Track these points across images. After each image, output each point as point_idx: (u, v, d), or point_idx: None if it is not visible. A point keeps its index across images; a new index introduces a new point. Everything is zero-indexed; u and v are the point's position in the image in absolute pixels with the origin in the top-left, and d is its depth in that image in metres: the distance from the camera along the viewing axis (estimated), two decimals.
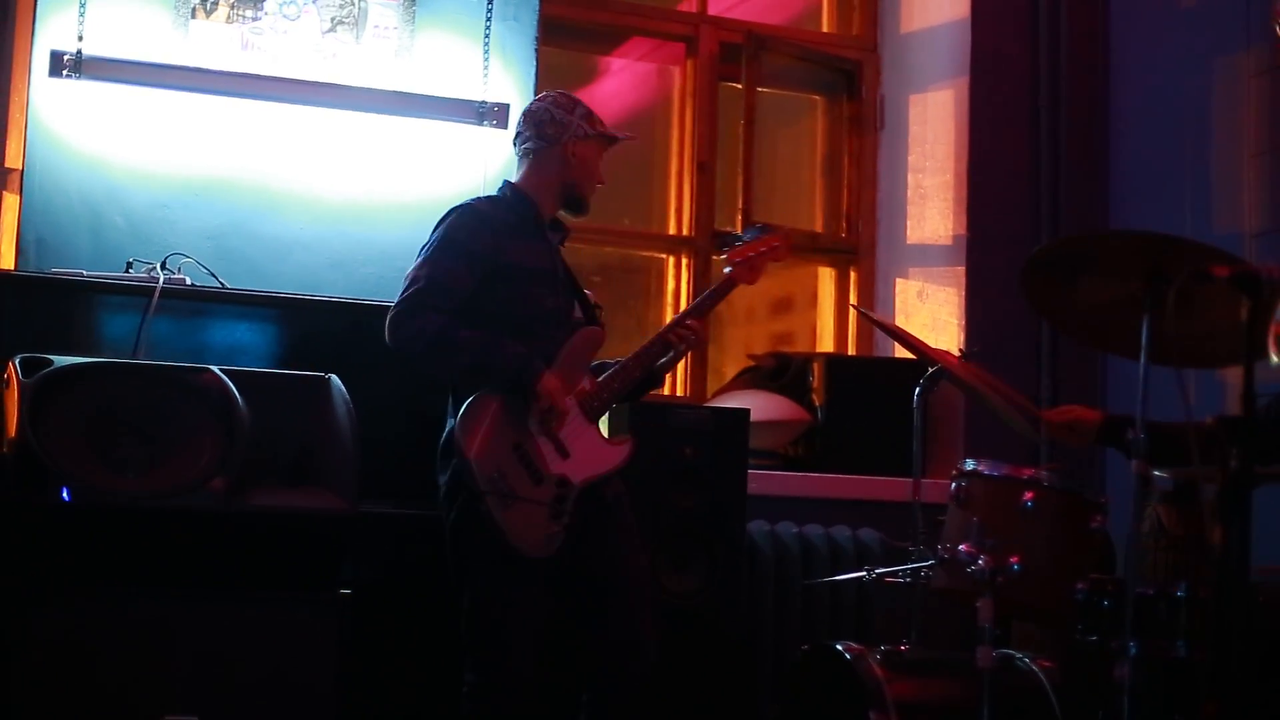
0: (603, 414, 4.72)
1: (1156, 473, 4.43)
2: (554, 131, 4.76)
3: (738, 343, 7.10)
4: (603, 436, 4.69)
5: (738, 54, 6.76)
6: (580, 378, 4.65)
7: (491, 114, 5.77)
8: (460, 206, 4.74)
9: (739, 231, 5.09)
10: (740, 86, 6.74)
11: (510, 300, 4.61)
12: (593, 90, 7.01)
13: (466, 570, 4.50)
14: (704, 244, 6.68)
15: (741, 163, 6.66)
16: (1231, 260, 3.71)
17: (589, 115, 4.80)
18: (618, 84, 7.14)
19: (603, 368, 4.78)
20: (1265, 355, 3.11)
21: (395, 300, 4.54)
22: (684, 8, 6.94)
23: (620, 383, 4.69)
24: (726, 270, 4.92)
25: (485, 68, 5.84)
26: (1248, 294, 3.20)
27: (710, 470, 5.30)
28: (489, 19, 5.86)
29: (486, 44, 5.85)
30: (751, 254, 4.91)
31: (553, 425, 4.51)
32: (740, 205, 6.62)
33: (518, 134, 4.86)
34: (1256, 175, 5.96)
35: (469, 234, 4.63)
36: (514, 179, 4.81)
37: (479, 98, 5.79)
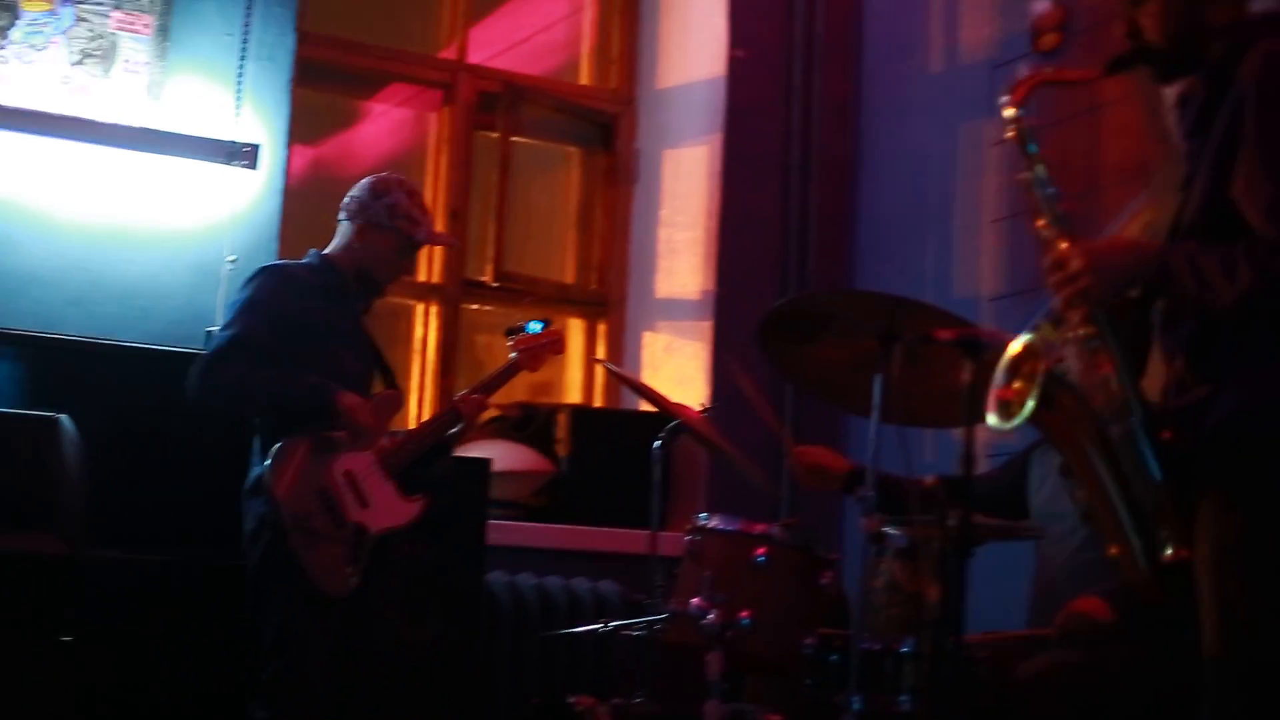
0: (400, 471, 4.80)
1: (889, 530, 4.52)
2: (354, 211, 4.93)
3: None
4: (399, 491, 4.79)
5: (495, 103, 6.77)
6: (379, 436, 4.79)
7: (241, 154, 5.69)
8: (268, 267, 4.89)
9: (521, 322, 5.24)
10: (497, 135, 6.75)
11: (314, 360, 4.72)
12: (350, 135, 6.98)
13: (268, 610, 4.58)
14: (454, 291, 6.66)
15: (495, 212, 6.66)
16: (957, 324, 3.81)
17: (394, 208, 4.90)
18: (375, 129, 7.12)
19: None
20: (985, 417, 3.18)
21: (200, 358, 4.68)
22: (443, 55, 6.93)
23: (416, 443, 4.88)
24: (512, 356, 5.12)
25: (237, 108, 5.76)
26: (970, 357, 3.27)
27: (450, 519, 5.28)
28: (243, 59, 5.79)
29: (240, 84, 5.77)
30: (535, 345, 5.13)
31: (364, 439, 4.70)
32: (492, 254, 6.61)
33: (342, 204, 4.99)
34: (996, 240, 6.11)
35: (273, 294, 4.75)
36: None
37: (230, 137, 5.70)
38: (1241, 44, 3.17)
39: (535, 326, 5.18)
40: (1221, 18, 3.26)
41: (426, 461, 4.97)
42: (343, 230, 4.95)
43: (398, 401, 4.99)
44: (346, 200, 4.98)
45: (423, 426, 5.06)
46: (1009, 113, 3.36)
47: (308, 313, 4.77)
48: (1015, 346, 3.19)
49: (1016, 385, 3.17)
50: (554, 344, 5.21)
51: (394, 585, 4.87)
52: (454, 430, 4.98)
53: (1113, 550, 3.19)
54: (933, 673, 3.19)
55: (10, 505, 4.19)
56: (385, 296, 5.18)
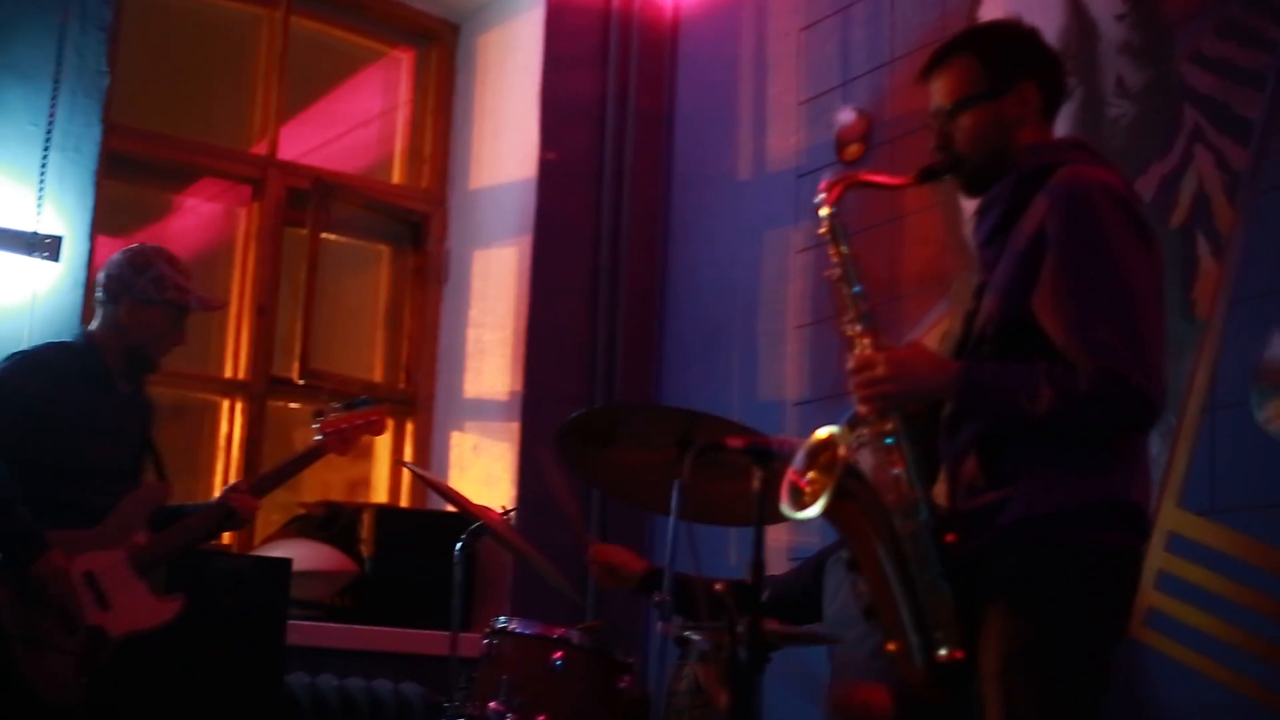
0: (156, 568, 4.66)
1: (689, 634, 4.53)
2: (117, 289, 4.74)
3: (292, 489, 7.00)
4: (151, 592, 4.62)
5: (306, 199, 6.74)
6: (134, 531, 4.62)
7: (42, 245, 5.59)
8: (19, 353, 4.70)
9: (333, 403, 5.08)
10: (306, 232, 6.72)
11: (63, 451, 4.56)
12: (160, 228, 6.90)
13: None
14: (259, 388, 6.60)
15: (302, 308, 6.62)
16: (749, 433, 3.87)
17: (161, 280, 4.73)
18: (185, 223, 7.04)
19: (177, 514, 4.75)
20: (780, 507, 3.23)
21: None
22: (254, 150, 6.90)
23: (180, 540, 4.68)
24: (317, 439, 4.95)
25: (40, 198, 5.66)
26: (759, 464, 3.31)
27: (249, 619, 5.20)
28: (47, 148, 5.70)
29: (43, 174, 5.68)
30: (346, 425, 4.97)
31: (57, 604, 4.40)
32: (299, 351, 6.56)
33: (99, 281, 4.81)
34: (799, 346, 6.19)
35: (21, 381, 4.57)
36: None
37: (31, 228, 5.61)
38: (1048, 164, 3.28)
39: (347, 406, 5.03)
40: (1029, 138, 3.38)
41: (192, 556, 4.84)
42: (106, 311, 4.76)
43: (158, 495, 4.74)
44: (104, 279, 4.79)
45: (190, 522, 4.76)
46: (823, 211, 3.42)
47: (58, 402, 4.58)
48: (816, 436, 3.25)
49: (812, 475, 3.23)
50: (370, 424, 5.05)
51: (157, 688, 4.67)
52: (228, 524, 4.84)
53: (890, 646, 3.25)
54: None
55: None
56: (157, 370, 4.93)
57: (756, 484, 3.29)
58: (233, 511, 4.75)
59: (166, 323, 4.77)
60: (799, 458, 3.26)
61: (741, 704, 3.19)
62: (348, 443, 5.00)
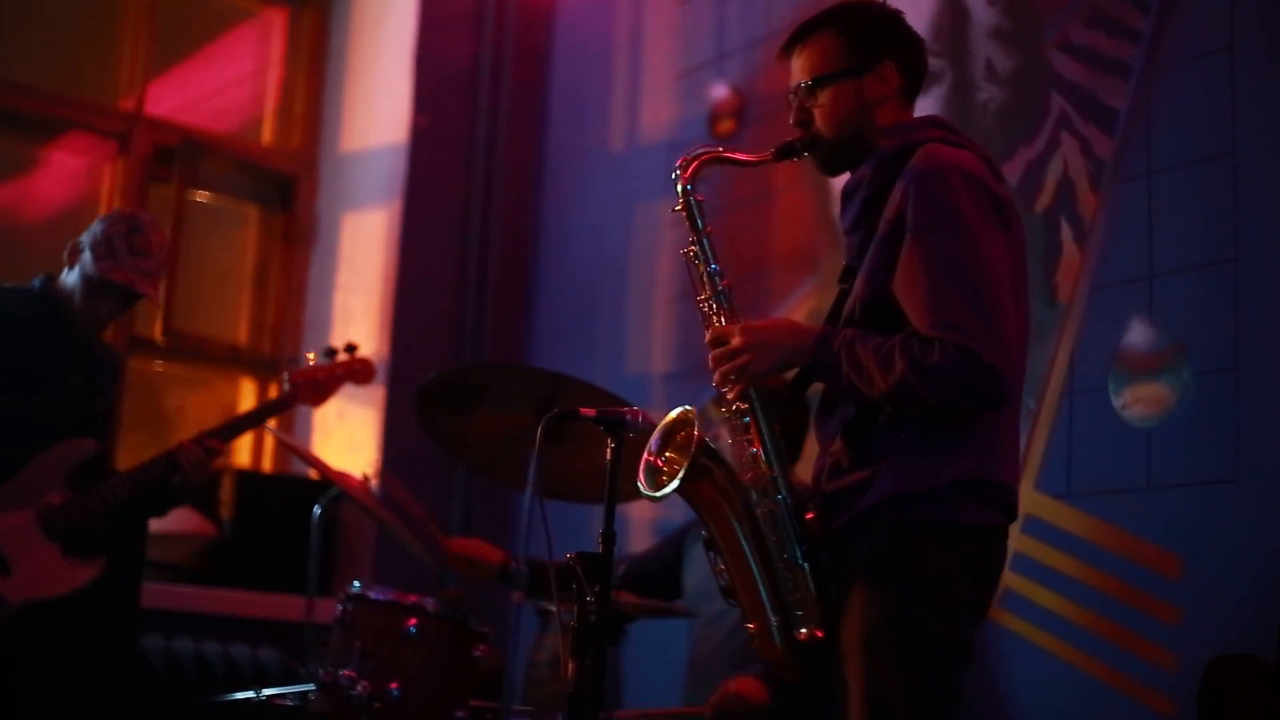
0: (71, 531, 4.41)
1: (546, 605, 4.55)
2: (74, 244, 4.53)
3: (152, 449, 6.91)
4: (63, 556, 4.42)
5: (173, 156, 6.66)
6: (48, 490, 4.39)
7: None
8: None
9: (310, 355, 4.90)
10: (172, 190, 6.63)
11: None
12: (24, 182, 6.78)
13: None
14: (120, 348, 6.47)
15: (167, 267, 6.51)
16: (609, 402, 3.86)
17: (105, 241, 4.45)
18: (49, 177, 6.93)
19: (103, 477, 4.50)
20: (637, 484, 3.23)
21: None
22: (122, 105, 6.79)
23: (100, 501, 4.42)
24: (287, 388, 4.76)
25: None
26: (611, 435, 3.31)
27: (104, 580, 5.11)
28: None
29: None
30: (322, 375, 4.78)
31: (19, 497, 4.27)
32: (161, 312, 6.47)
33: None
34: (668, 319, 6.20)
35: None
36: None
37: None
38: (909, 144, 3.28)
39: (328, 354, 4.82)
40: (888, 118, 3.38)
41: (151, 511, 4.67)
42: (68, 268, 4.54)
43: (82, 451, 4.45)
44: (80, 238, 4.55)
45: (114, 481, 4.47)
46: (679, 187, 3.41)
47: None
48: (671, 415, 3.24)
49: (669, 454, 3.22)
50: (353, 373, 4.85)
51: (77, 657, 4.52)
52: (177, 479, 4.51)
53: (750, 626, 3.25)
54: None
55: None
56: (101, 329, 4.67)
57: (608, 454, 3.28)
58: (176, 462, 4.48)
59: (97, 289, 4.48)
60: (655, 438, 3.26)
61: (589, 674, 3.19)
62: (323, 392, 4.81)
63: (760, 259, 5.77)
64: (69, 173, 6.92)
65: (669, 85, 6.45)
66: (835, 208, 5.47)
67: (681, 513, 5.23)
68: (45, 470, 4.42)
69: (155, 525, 5.43)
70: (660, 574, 4.81)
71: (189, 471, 4.50)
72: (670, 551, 4.88)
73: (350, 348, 4.89)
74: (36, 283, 4.58)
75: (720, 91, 6.15)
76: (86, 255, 4.49)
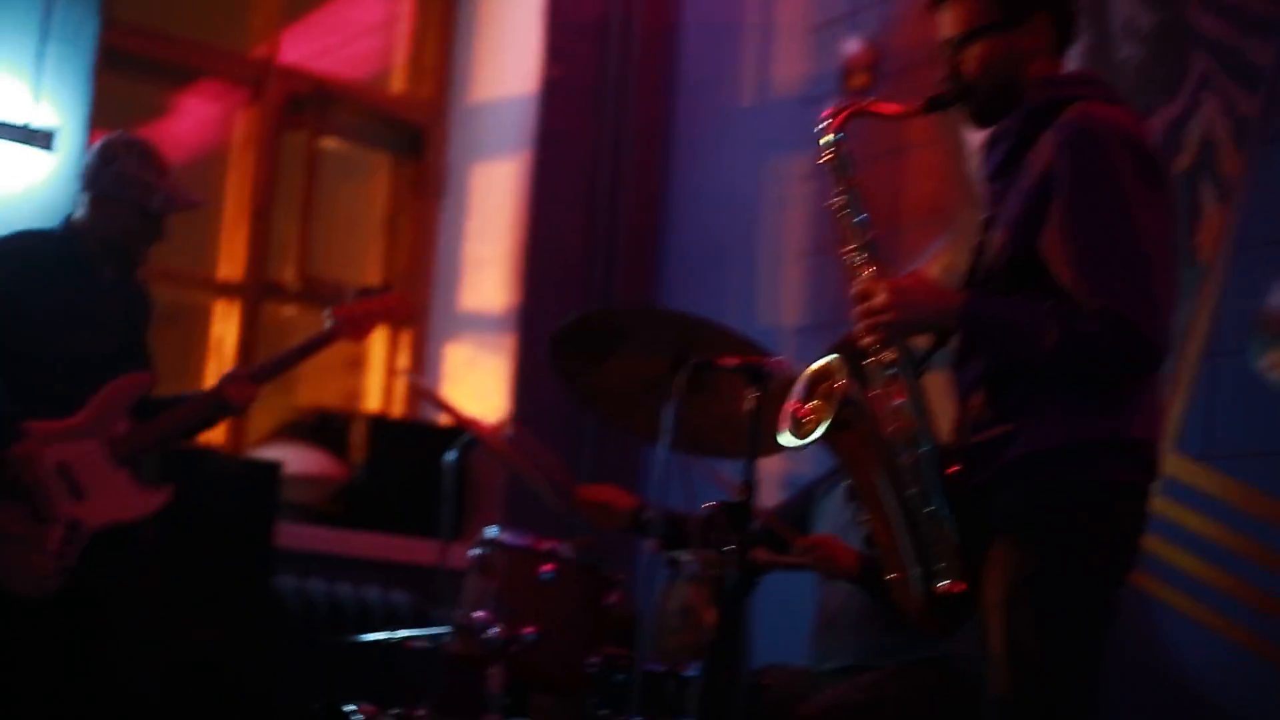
0: (138, 458, 4.53)
1: (679, 555, 4.55)
2: (86, 180, 4.61)
3: (284, 394, 7.00)
4: (133, 482, 4.51)
5: (305, 105, 6.71)
6: (115, 421, 4.49)
7: (37, 138, 5.54)
8: None
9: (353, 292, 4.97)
10: (304, 137, 6.69)
11: (36, 341, 4.46)
12: (156, 128, 6.85)
13: None
14: (254, 291, 6.58)
15: (299, 214, 6.60)
16: (751, 351, 3.85)
17: (123, 176, 4.55)
18: (182, 123, 7.00)
19: (169, 404, 4.62)
20: (777, 435, 3.22)
21: None
22: (255, 54, 6.85)
23: (165, 429, 4.54)
24: (329, 324, 4.78)
25: (36, 90, 5.61)
26: (753, 385, 3.30)
27: (239, 521, 5.21)
28: (44, 40, 5.64)
29: (40, 66, 5.63)
30: (360, 311, 4.81)
31: (29, 491, 4.33)
32: (295, 256, 6.55)
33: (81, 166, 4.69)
34: (799, 273, 6.18)
35: None
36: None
37: (27, 119, 5.56)
38: (1060, 98, 3.25)
39: (367, 293, 4.88)
40: (1041, 70, 3.35)
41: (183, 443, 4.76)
42: (80, 200, 4.62)
43: (138, 385, 4.56)
44: (81, 167, 4.67)
45: (175, 412, 4.60)
46: (826, 138, 3.40)
47: (31, 290, 4.47)
48: (815, 365, 3.24)
49: (812, 404, 3.22)
50: (387, 310, 4.90)
51: (147, 583, 4.59)
52: (217, 415, 4.68)
53: (891, 576, 3.25)
54: (708, 696, 3.20)
55: None
56: (140, 262, 4.76)
57: (750, 404, 3.27)
58: (227, 400, 4.60)
59: (133, 219, 4.60)
60: (799, 386, 3.26)
61: (729, 623, 3.20)
62: (362, 329, 4.85)
63: (892, 216, 5.74)
64: (201, 120, 6.99)
65: (801, 39, 6.42)
66: (970, 164, 5.48)
67: (811, 466, 5.23)
68: (108, 403, 4.50)
69: (289, 467, 5.52)
70: (793, 512, 4.80)
71: (238, 407, 4.62)
72: (800, 507, 4.87)
73: (387, 287, 4.90)
74: (59, 223, 4.66)
75: (854, 45, 6.11)
76: (112, 192, 4.56)
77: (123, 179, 4.57)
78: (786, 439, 3.22)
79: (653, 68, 7.00)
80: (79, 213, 4.63)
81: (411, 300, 5.03)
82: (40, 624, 4.34)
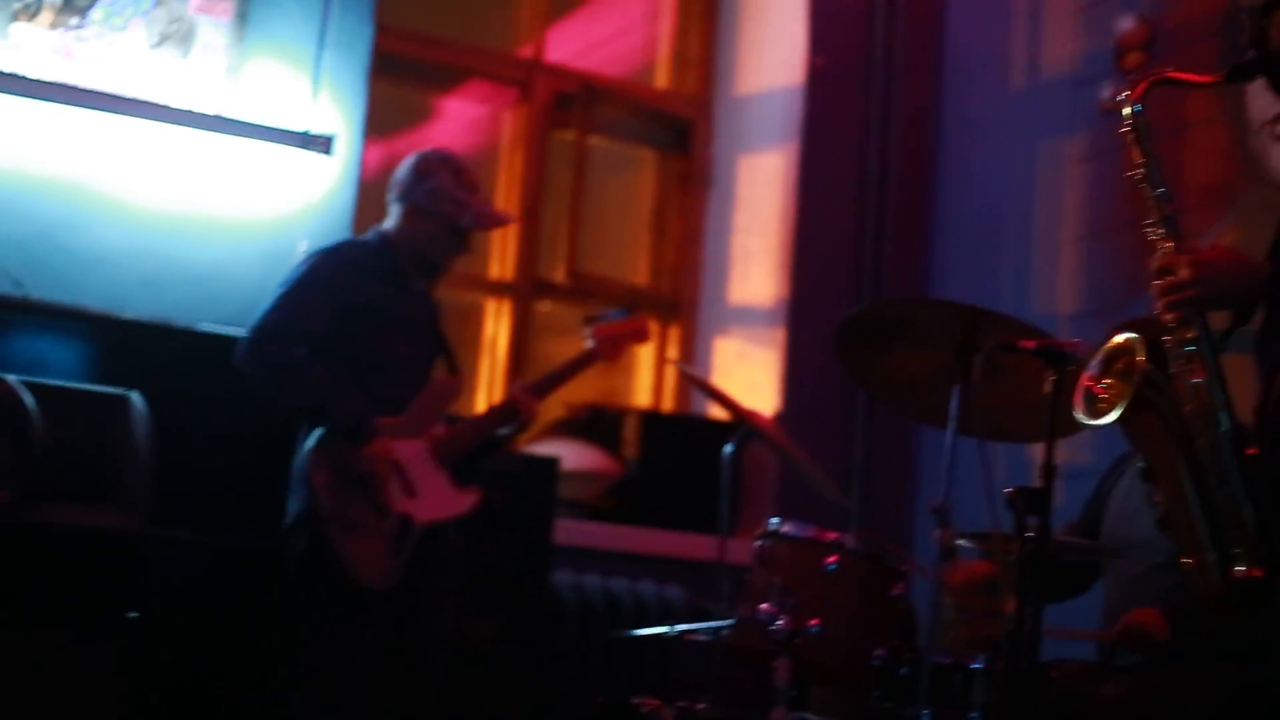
0: (455, 460, 4.72)
1: (962, 542, 4.45)
2: (400, 192, 4.82)
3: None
4: (452, 482, 4.70)
5: (572, 103, 6.75)
6: (433, 423, 4.71)
7: (317, 142, 5.66)
8: (325, 247, 4.82)
9: (604, 310, 5.13)
10: (572, 135, 6.73)
11: (364, 344, 4.66)
12: (425, 129, 6.95)
13: (309, 602, 4.52)
14: (526, 290, 6.64)
15: (569, 211, 6.64)
16: (1039, 335, 3.76)
17: (437, 192, 4.77)
18: (450, 125, 7.09)
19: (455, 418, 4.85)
20: (1074, 412, 3.13)
21: (249, 326, 4.57)
22: (521, 53, 6.91)
23: (475, 432, 4.77)
24: (589, 344, 4.97)
25: (314, 95, 5.74)
26: (1052, 367, 3.22)
27: (517, 517, 5.25)
28: (321, 47, 5.77)
29: (317, 72, 5.76)
30: (615, 333, 4.99)
31: (373, 485, 4.52)
32: (565, 254, 6.59)
33: (391, 180, 4.89)
34: (1074, 258, 6.05)
35: (329, 273, 4.68)
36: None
37: (305, 125, 5.68)
38: None
39: (617, 314, 5.06)
40: None
41: (485, 454, 4.89)
42: (393, 211, 4.86)
43: (454, 389, 4.85)
44: (394, 178, 4.88)
45: (481, 417, 4.89)
46: (1127, 109, 3.29)
47: (362, 295, 4.68)
48: (1113, 341, 3.14)
49: (1109, 382, 3.12)
50: (636, 333, 5.07)
51: (449, 579, 4.76)
52: (505, 430, 4.88)
53: (1186, 560, 3.13)
54: (1005, 688, 3.12)
55: (80, 479, 4.17)
56: (446, 273, 5.02)
57: (1048, 387, 3.20)
58: (518, 411, 4.80)
59: (442, 233, 4.82)
60: (1094, 363, 3.16)
61: (1028, 610, 3.11)
62: (618, 349, 5.03)
63: (1173, 194, 5.56)
64: (469, 121, 7.07)
65: (1072, 17, 6.27)
66: (1254, 141, 5.30)
67: (1090, 455, 5.10)
68: (428, 405, 4.72)
69: (563, 464, 5.56)
70: (1086, 518, 4.69)
71: (524, 421, 4.87)
72: (1092, 510, 4.74)
73: (632, 310, 5.14)
74: (372, 234, 4.86)
75: (1127, 23, 5.94)
76: (426, 207, 4.78)
77: (436, 195, 4.78)
78: (1081, 417, 3.12)
79: (919, 53, 6.91)
80: (390, 223, 4.85)
81: (649, 322, 5.22)
82: (370, 613, 4.50)
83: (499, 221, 5.20)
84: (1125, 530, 4.42)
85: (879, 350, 4.22)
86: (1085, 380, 3.15)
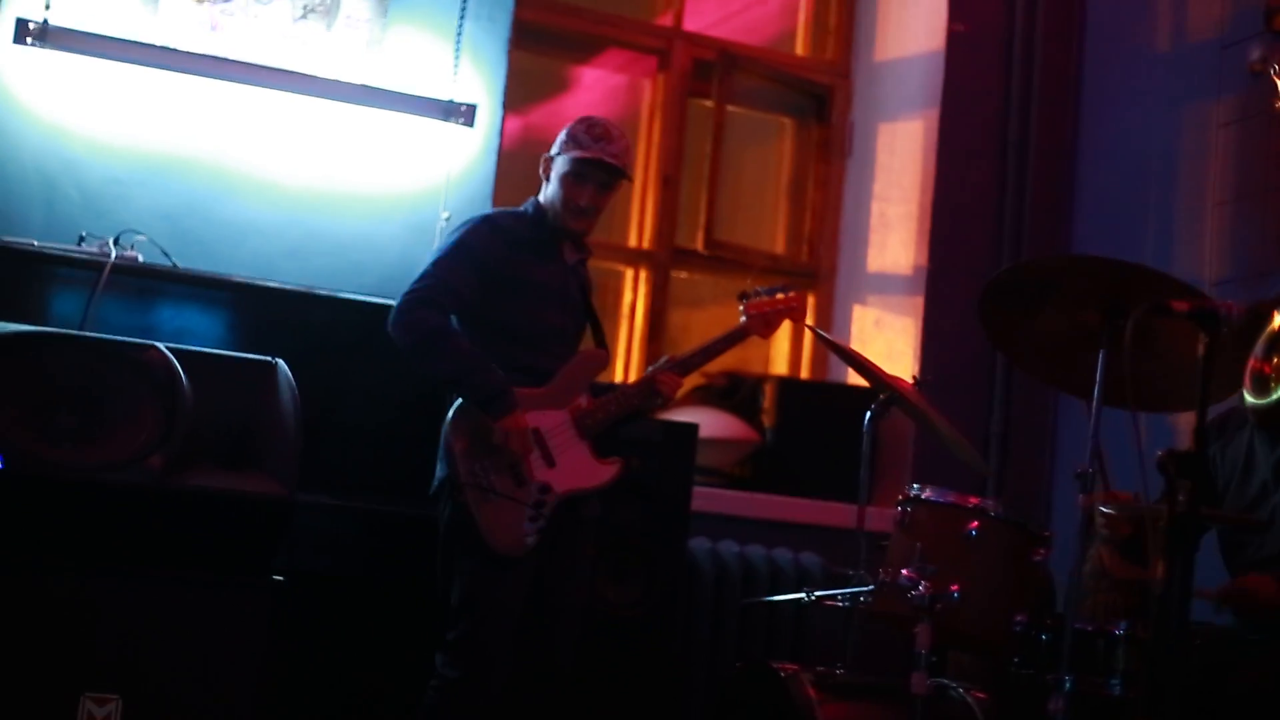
0: (597, 432, 4.73)
1: (1105, 508, 4.40)
2: (550, 152, 4.82)
3: None
4: (593, 453, 4.72)
5: (710, 71, 6.75)
6: (578, 394, 4.72)
7: (459, 113, 5.72)
8: (480, 216, 4.81)
9: (757, 286, 5.08)
10: (710, 104, 6.72)
11: (515, 313, 4.69)
12: (563, 99, 6.98)
13: (455, 569, 4.54)
14: (664, 258, 6.65)
15: (707, 180, 6.64)
16: (1192, 295, 3.69)
17: (570, 137, 4.76)
18: (589, 95, 7.11)
19: (602, 389, 4.83)
20: (1241, 390, 3.09)
21: (402, 292, 4.59)
22: (660, 22, 6.92)
23: (617, 406, 4.76)
24: (743, 320, 4.97)
25: (455, 66, 5.78)
26: (1206, 330, 3.17)
27: (656, 483, 5.27)
28: (462, 17, 5.81)
29: (458, 42, 5.80)
30: (769, 309, 4.97)
31: (508, 459, 4.54)
32: (703, 222, 6.60)
33: None
34: (1219, 223, 5.95)
35: (482, 243, 4.69)
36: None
37: (448, 96, 5.74)
38: None
39: (768, 290, 5.02)
40: None
41: (628, 422, 4.90)
42: (544, 181, 4.84)
43: (600, 361, 4.85)
44: (548, 153, 4.85)
45: (625, 390, 4.86)
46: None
47: (513, 265, 4.69)
48: (1276, 324, 3.10)
49: (1277, 360, 3.08)
50: (790, 310, 5.02)
51: (588, 547, 4.78)
52: (651, 403, 4.87)
53: None
54: (1156, 650, 3.08)
55: (228, 445, 4.21)
56: (587, 234, 4.89)
57: (1201, 349, 3.15)
58: (659, 389, 4.80)
59: (569, 179, 4.75)
60: (1260, 344, 3.12)
61: (1178, 572, 3.08)
62: (770, 326, 5.01)
63: None
64: (609, 90, 7.09)
65: None
66: None
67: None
68: (573, 376, 4.73)
69: (701, 431, 5.57)
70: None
71: (666, 397, 4.85)
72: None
73: (787, 287, 5.04)
74: (529, 205, 4.84)
75: None
76: (557, 159, 4.76)
77: (567, 140, 4.77)
78: (1251, 398, 3.09)
79: (1060, 17, 6.82)
80: (544, 195, 4.83)
81: (805, 303, 5.10)
82: (511, 578, 4.53)
83: (612, 164, 4.79)
84: (1237, 497, 4.35)
85: (1024, 313, 4.18)
86: (1253, 362, 3.12)
